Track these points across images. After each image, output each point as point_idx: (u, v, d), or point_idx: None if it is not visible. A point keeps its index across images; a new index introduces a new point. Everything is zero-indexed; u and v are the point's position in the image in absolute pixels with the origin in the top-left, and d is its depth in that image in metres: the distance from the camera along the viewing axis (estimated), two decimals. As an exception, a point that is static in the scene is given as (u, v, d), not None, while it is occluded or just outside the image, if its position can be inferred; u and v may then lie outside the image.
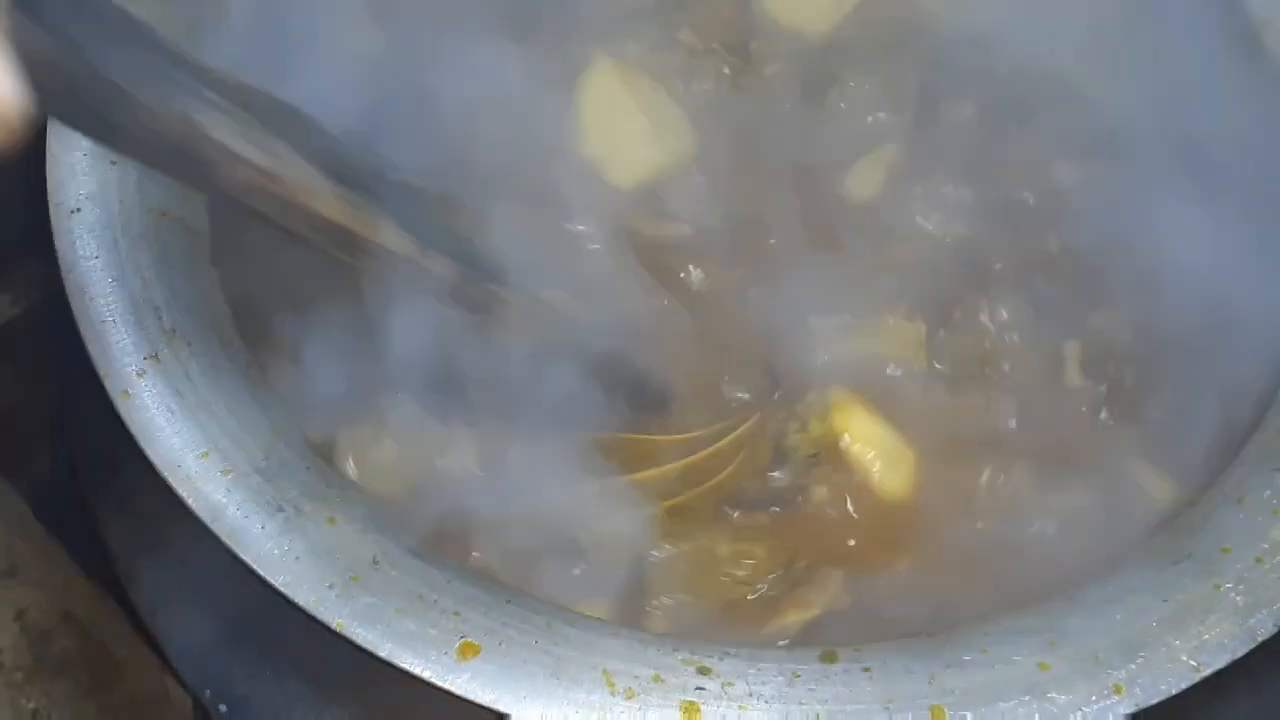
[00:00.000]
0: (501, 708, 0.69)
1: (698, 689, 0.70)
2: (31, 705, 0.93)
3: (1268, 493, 0.78)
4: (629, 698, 0.69)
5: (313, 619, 0.71)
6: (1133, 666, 0.71)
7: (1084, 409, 0.98)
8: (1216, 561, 0.75)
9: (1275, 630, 0.73)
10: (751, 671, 0.71)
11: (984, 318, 1.01)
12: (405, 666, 0.70)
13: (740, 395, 1.00)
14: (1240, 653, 0.72)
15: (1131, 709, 0.70)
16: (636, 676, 0.70)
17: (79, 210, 0.81)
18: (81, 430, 0.94)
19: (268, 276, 0.88)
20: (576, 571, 0.89)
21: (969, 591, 0.85)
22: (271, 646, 0.86)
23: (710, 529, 0.93)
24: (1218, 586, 0.74)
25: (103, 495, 0.90)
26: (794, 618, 0.88)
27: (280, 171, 0.74)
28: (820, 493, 0.95)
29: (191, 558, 0.82)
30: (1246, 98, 0.98)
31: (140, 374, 0.77)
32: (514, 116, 1.04)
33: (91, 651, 0.97)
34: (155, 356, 0.77)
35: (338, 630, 0.71)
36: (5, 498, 1.01)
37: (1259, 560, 0.75)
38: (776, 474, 0.96)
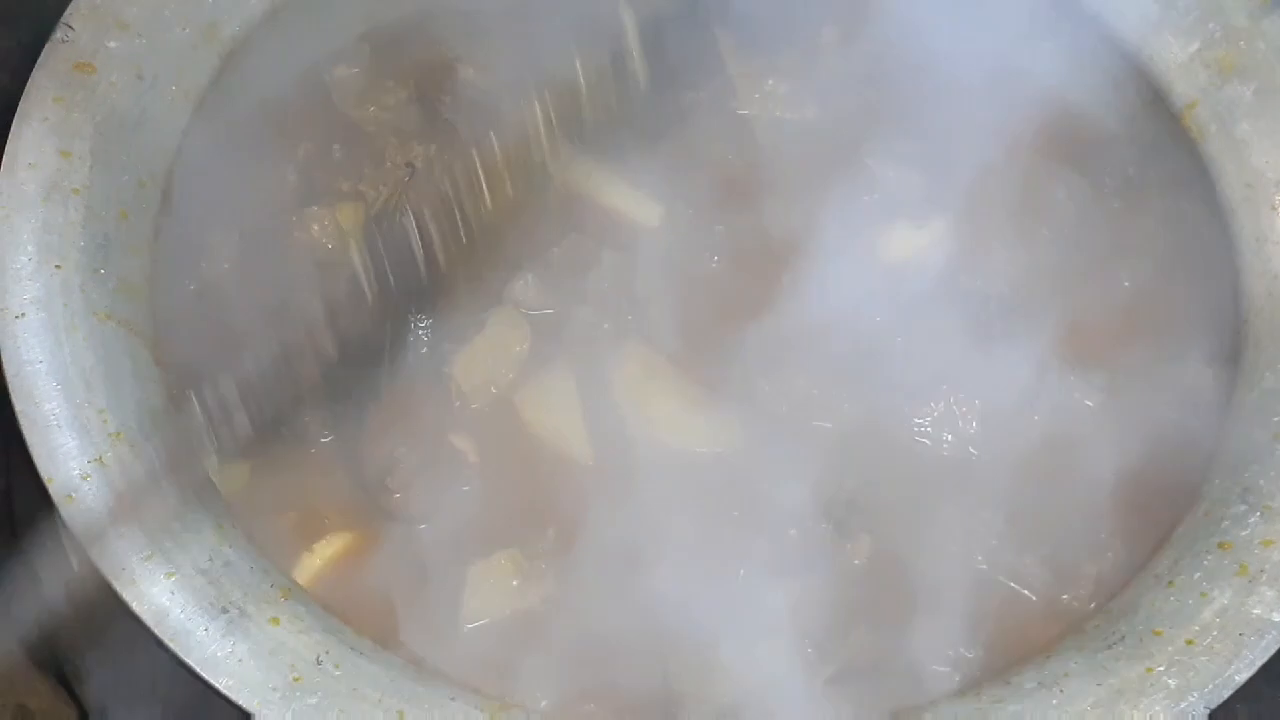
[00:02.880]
0: (443, 806, 0.70)
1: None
2: (-18, 798, 0.93)
3: (1198, 575, 0.79)
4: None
5: (256, 721, 0.72)
6: (1068, 751, 0.72)
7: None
8: (1149, 644, 0.77)
9: (1206, 712, 0.74)
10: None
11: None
12: (348, 767, 0.71)
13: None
14: (1173, 736, 0.73)
15: (1068, 793, 0.71)
16: (578, 772, 0.71)
17: (24, 315, 0.81)
18: (32, 527, 0.94)
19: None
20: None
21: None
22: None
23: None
24: (1150, 669, 0.75)
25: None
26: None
27: None
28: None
29: (138, 657, 0.83)
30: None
31: (85, 477, 0.77)
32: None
33: (44, 746, 0.96)
34: (100, 460, 0.78)
35: (281, 732, 0.72)
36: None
37: (1190, 642, 0.76)
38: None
